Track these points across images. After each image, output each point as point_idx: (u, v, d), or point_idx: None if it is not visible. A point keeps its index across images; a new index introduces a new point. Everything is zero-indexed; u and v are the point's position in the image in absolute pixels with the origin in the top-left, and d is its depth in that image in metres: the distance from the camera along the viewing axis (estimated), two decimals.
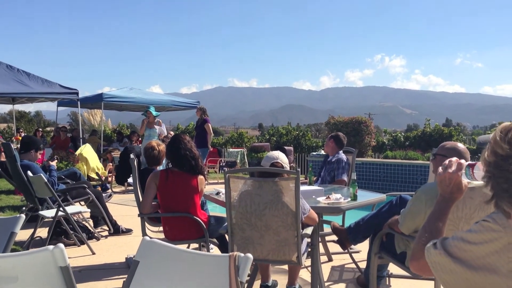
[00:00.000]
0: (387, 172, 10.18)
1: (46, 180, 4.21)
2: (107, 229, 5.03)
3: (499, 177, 1.07)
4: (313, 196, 3.30)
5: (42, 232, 4.77)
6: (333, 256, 4.15)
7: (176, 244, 2.28)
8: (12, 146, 4.74)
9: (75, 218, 4.69)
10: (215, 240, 3.47)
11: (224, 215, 3.12)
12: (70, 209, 4.45)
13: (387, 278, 3.47)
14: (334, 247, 4.04)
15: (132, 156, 3.73)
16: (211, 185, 8.04)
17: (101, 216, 5.01)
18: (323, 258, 4.01)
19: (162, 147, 4.32)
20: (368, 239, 3.33)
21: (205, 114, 9.31)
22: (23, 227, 2.04)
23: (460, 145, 2.49)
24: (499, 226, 1.06)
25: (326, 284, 3.47)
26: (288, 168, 2.87)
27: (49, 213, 4.39)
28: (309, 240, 3.02)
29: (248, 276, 3.10)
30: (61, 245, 1.40)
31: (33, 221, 4.61)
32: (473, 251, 1.08)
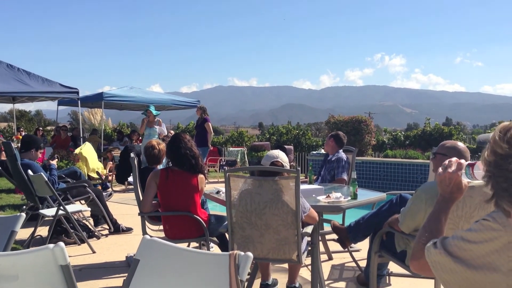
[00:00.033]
0: (387, 171, 10.18)
1: (46, 179, 4.21)
2: (108, 227, 5.04)
3: (499, 176, 1.07)
4: (313, 195, 3.30)
5: (43, 231, 4.77)
6: (333, 255, 4.15)
7: (176, 242, 2.28)
8: (13, 145, 4.75)
9: (75, 217, 4.70)
10: (215, 238, 3.47)
11: (224, 214, 3.12)
12: (70, 208, 4.46)
13: (387, 277, 3.47)
14: (334, 246, 4.04)
15: (132, 155, 3.72)
16: (211, 184, 8.05)
17: (101, 215, 5.02)
18: (323, 257, 4.01)
19: (162, 146, 4.32)
20: (368, 237, 3.33)
21: (205, 113, 9.30)
22: (23, 226, 2.05)
23: (460, 144, 2.50)
24: (499, 225, 1.07)
25: (326, 282, 3.48)
26: (288, 167, 2.87)
27: (50, 212, 4.39)
28: (309, 238, 3.02)
29: (248, 274, 3.10)
30: (62, 243, 1.40)
31: (34, 220, 4.61)
32: (473, 250, 1.08)
